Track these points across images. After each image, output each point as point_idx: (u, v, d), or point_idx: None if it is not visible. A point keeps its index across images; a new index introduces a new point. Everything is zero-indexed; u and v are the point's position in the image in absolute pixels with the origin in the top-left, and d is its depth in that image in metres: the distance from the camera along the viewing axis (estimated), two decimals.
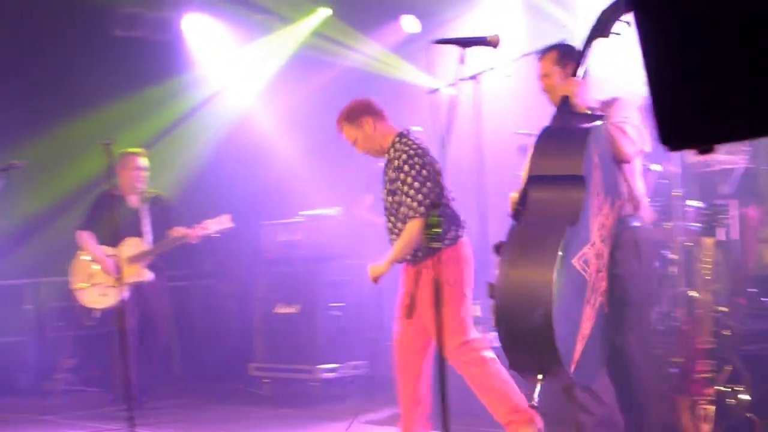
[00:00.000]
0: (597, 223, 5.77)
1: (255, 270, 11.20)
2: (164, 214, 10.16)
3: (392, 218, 6.94)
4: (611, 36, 5.87)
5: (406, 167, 6.78)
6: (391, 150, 6.94)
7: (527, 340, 5.49)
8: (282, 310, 10.46)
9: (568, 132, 5.93)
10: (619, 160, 6.21)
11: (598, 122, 5.95)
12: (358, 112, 7.08)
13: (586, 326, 5.63)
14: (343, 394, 10.14)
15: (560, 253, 5.40)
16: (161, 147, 12.19)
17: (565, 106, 6.03)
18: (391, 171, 6.90)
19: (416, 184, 6.74)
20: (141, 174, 10.06)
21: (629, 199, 6.38)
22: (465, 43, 5.66)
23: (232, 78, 13.00)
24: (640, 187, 6.49)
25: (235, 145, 12.68)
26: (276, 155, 12.53)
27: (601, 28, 5.87)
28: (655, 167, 8.39)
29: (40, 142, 11.75)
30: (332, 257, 10.48)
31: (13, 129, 11.75)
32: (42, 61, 12.19)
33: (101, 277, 9.91)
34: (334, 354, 10.14)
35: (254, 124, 12.83)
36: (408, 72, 11.88)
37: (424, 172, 6.75)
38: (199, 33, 12.80)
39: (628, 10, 5.68)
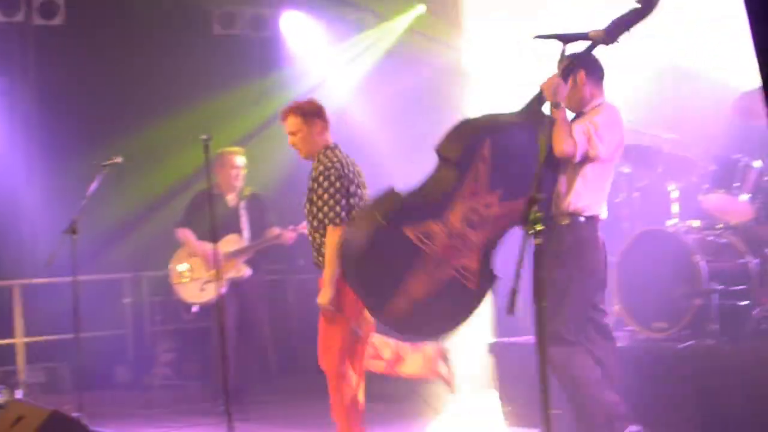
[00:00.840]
0: (464, 207, 6.27)
1: None
2: (262, 212, 10.23)
3: (309, 227, 7.29)
4: (615, 43, 6.17)
5: (320, 178, 7.12)
6: (316, 161, 7.26)
7: (350, 281, 6.55)
8: None
9: (474, 121, 6.62)
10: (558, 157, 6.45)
11: (528, 120, 6.37)
12: (315, 112, 7.33)
13: (418, 290, 6.24)
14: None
15: (379, 217, 6.27)
16: (258, 143, 12.24)
17: (536, 99, 6.44)
18: (310, 180, 7.22)
19: (327, 196, 7.06)
20: (238, 173, 10.14)
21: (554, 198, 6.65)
22: (566, 38, 5.60)
23: (328, 75, 13.02)
24: (578, 189, 6.62)
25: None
26: (371, 152, 12.44)
27: (609, 36, 6.14)
28: (757, 164, 8.26)
29: (139, 138, 11.86)
30: None
31: (113, 125, 11.89)
32: (141, 59, 12.30)
33: (200, 272, 10.00)
34: None
35: (350, 120, 12.81)
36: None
37: (337, 184, 7.08)
38: (297, 30, 12.87)
39: (637, 21, 6.10)
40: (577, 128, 6.46)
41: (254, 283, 10.11)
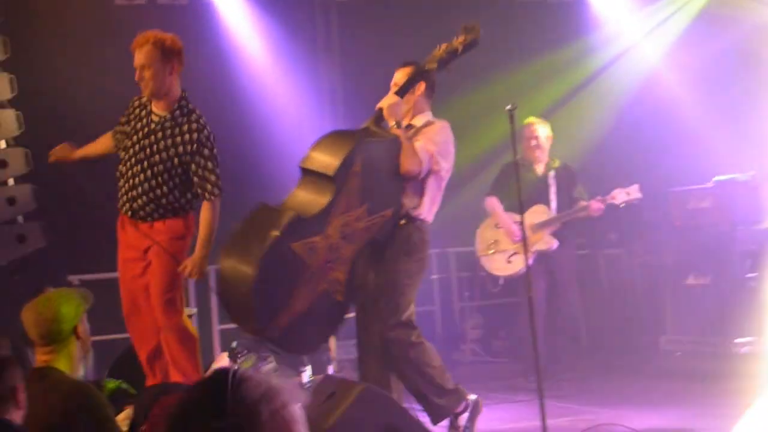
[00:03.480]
0: (340, 221, 6.66)
1: (663, 239, 10.82)
2: (570, 182, 10.00)
3: (157, 179, 6.90)
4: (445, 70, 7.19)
5: (206, 141, 6.86)
6: (180, 112, 6.90)
7: (227, 293, 6.60)
8: (694, 281, 10.04)
9: (341, 137, 6.94)
10: (403, 174, 6.91)
11: (381, 137, 6.90)
12: (174, 51, 6.89)
13: (300, 303, 6.56)
14: (760, 370, 9.61)
15: (276, 233, 6.42)
16: (565, 112, 12.02)
17: (375, 118, 7.02)
18: (184, 135, 6.87)
19: (211, 164, 6.87)
20: (538, 143, 9.99)
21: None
22: None
23: (637, 40, 12.69)
24: (425, 202, 7.10)
25: (640, 107, 12.33)
26: (684, 117, 12.06)
27: (445, 63, 7.19)
28: None
29: (447, 110, 11.74)
30: (746, 225, 9.95)
31: None
32: (445, 26, 12.26)
33: (506, 244, 9.87)
34: (750, 327, 9.64)
35: (661, 85, 12.45)
36: None
37: (215, 151, 6.93)
38: None
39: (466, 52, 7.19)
40: (421, 148, 6.92)
41: (564, 257, 9.90)
